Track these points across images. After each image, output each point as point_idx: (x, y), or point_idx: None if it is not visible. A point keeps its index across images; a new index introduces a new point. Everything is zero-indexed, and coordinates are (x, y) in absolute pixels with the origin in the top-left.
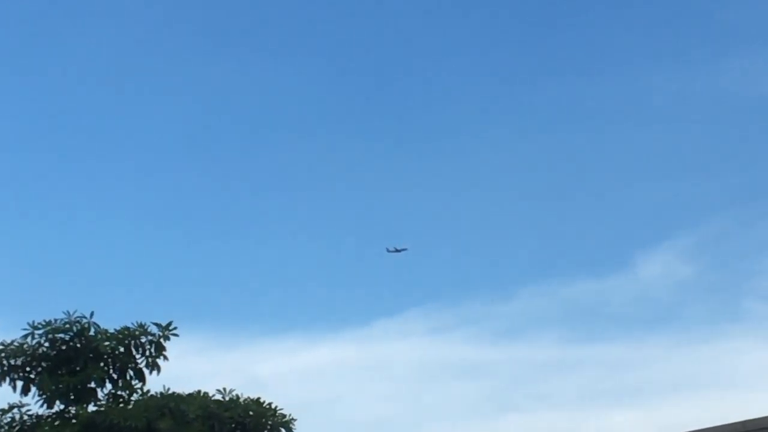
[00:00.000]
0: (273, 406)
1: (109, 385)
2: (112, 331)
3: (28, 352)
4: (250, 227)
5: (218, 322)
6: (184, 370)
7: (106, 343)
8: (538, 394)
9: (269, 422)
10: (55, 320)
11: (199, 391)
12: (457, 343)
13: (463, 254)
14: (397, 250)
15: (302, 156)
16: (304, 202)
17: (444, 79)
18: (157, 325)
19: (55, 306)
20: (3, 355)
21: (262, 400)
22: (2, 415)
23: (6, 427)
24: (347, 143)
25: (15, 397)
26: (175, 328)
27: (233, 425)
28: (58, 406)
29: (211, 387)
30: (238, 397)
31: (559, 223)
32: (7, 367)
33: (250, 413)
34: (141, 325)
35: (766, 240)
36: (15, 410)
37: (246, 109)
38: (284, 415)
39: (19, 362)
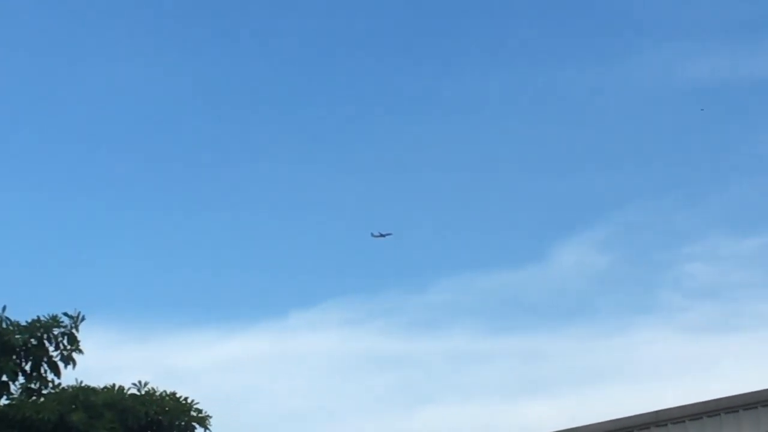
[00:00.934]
0: (189, 401)
1: (22, 379)
2: (23, 323)
3: None
4: (163, 217)
5: (132, 315)
6: (100, 364)
7: (18, 336)
8: (454, 386)
9: (185, 418)
10: None
11: (114, 385)
12: (373, 334)
13: (378, 245)
14: (381, 235)
15: (210, 151)
16: (217, 190)
17: (358, 71)
18: (68, 316)
19: None
20: None
21: (178, 395)
22: None
23: None
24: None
25: None
26: (84, 319)
27: (148, 420)
28: None
29: (126, 380)
30: (153, 391)
31: (475, 214)
32: None
33: (166, 409)
34: (53, 317)
35: (680, 231)
36: None
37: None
38: (200, 411)
39: None
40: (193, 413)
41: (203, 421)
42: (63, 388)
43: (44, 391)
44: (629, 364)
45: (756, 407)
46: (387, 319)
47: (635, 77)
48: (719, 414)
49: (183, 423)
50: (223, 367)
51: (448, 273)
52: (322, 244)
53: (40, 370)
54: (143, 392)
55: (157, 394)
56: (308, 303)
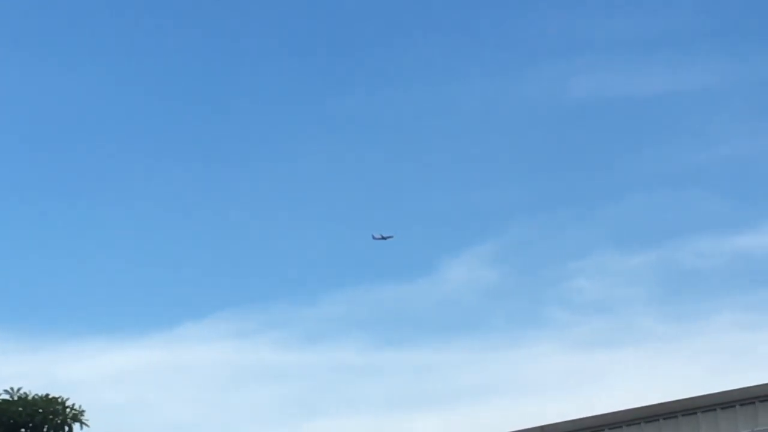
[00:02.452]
0: (62, 400)
1: None
2: None
3: None
4: (54, 229)
5: (21, 325)
6: None
7: None
8: (344, 398)
9: (59, 417)
10: None
11: None
12: (263, 346)
13: (268, 258)
14: (383, 238)
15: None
16: (108, 199)
17: (259, 85)
18: None
19: None
20: None
21: (51, 396)
22: None
23: None
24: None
25: None
26: None
27: (21, 421)
28: None
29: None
30: (26, 395)
31: (365, 227)
32: None
33: (39, 410)
34: None
35: (568, 247)
36: None
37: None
38: (74, 409)
39: None
40: (68, 411)
41: (78, 416)
42: None
43: None
44: (519, 378)
45: (695, 413)
46: (278, 331)
47: (527, 92)
48: (658, 419)
49: (59, 420)
50: (112, 377)
51: (338, 286)
52: (212, 255)
53: None
54: (15, 397)
55: (30, 397)
56: (199, 314)
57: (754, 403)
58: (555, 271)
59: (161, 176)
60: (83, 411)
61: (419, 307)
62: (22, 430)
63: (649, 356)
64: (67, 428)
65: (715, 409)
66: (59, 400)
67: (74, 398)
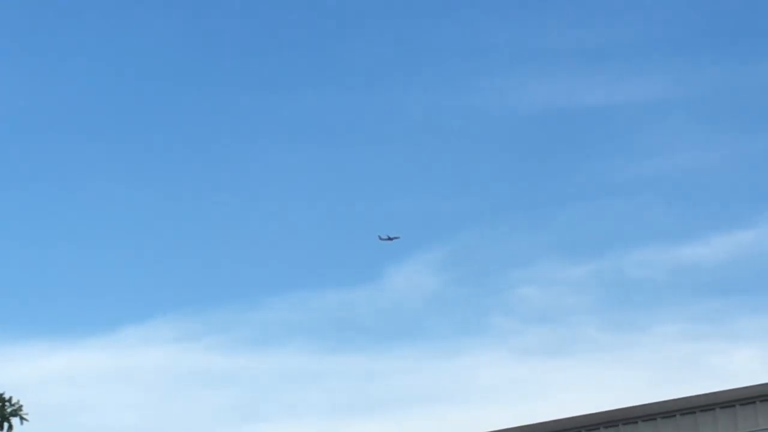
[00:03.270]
0: (0, 395)
1: None
2: None
3: None
4: None
5: None
6: None
7: None
8: (286, 404)
9: None
10: None
11: None
12: (205, 351)
13: (211, 260)
14: (390, 238)
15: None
16: (53, 204)
17: (203, 87)
18: None
19: None
20: None
21: None
22: None
23: None
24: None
25: None
26: None
27: None
28: None
29: None
30: None
31: (309, 232)
32: None
33: None
34: None
35: (513, 256)
36: None
37: None
38: (12, 404)
39: None
40: (6, 406)
41: (17, 411)
42: None
43: None
44: (463, 386)
45: (655, 418)
46: (221, 335)
47: (476, 101)
48: (617, 425)
49: None
50: (53, 380)
51: (282, 290)
52: (154, 258)
53: None
54: None
55: None
56: (140, 317)
57: (734, 406)
58: (500, 280)
59: (103, 174)
60: (21, 406)
61: (363, 314)
62: None
63: (593, 366)
64: (6, 423)
65: (675, 416)
66: None
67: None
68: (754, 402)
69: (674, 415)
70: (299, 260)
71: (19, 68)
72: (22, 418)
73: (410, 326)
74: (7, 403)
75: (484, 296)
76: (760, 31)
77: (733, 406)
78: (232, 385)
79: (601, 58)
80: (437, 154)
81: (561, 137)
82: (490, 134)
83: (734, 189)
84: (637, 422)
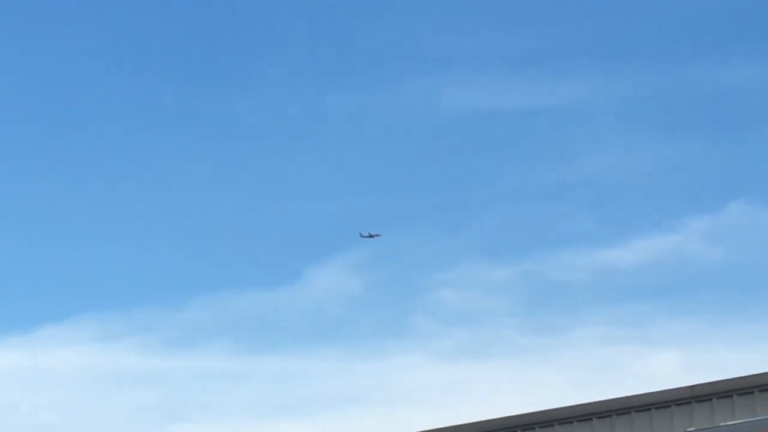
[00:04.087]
0: None
1: None
2: None
3: None
4: None
5: None
6: None
7: None
8: (207, 405)
9: None
10: None
11: None
12: (126, 351)
13: (133, 260)
14: (371, 236)
15: None
16: None
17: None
18: None
19: None
20: None
21: None
22: None
23: None
24: None
25: None
26: None
27: None
28: None
29: None
30: None
31: (231, 234)
32: None
33: None
34: None
35: (434, 258)
36: None
37: None
38: None
39: None
40: None
41: None
42: None
43: None
44: (384, 387)
45: (629, 413)
46: (142, 335)
47: (399, 103)
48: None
49: None
50: None
51: (203, 291)
52: (74, 256)
53: None
54: None
55: None
56: (60, 317)
57: (690, 403)
58: (422, 282)
59: (29, 172)
60: None
61: (285, 315)
62: None
63: (515, 368)
64: None
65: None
66: None
67: None
68: (689, 402)
69: (610, 415)
70: (220, 261)
71: None
72: None
73: (331, 328)
74: None
75: (406, 298)
76: (681, 36)
77: (670, 406)
78: (153, 386)
79: (527, 61)
80: (360, 156)
81: (485, 140)
82: (414, 136)
83: (655, 194)
84: (572, 422)
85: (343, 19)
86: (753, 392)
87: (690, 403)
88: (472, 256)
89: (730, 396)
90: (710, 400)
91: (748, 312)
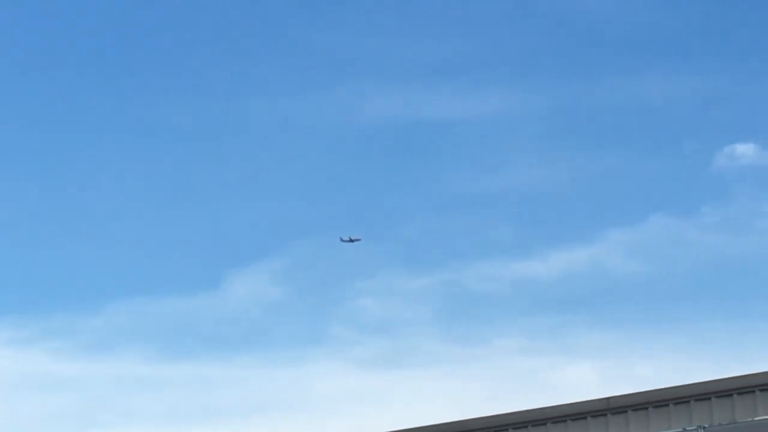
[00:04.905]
0: None
1: None
2: None
3: None
4: None
5: None
6: None
7: None
8: (124, 411)
9: None
10: None
11: None
12: (42, 356)
13: (49, 264)
14: (351, 240)
15: None
16: None
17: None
18: None
19: None
20: None
21: None
22: None
23: None
24: None
25: None
26: None
27: None
28: None
29: None
30: None
31: (150, 240)
32: None
33: None
34: None
35: (354, 267)
36: None
37: None
38: None
39: None
40: None
41: None
42: None
43: None
44: (302, 395)
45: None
46: (58, 340)
47: (324, 111)
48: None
49: None
50: None
51: (121, 296)
52: None
53: None
54: None
55: None
56: None
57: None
58: (341, 290)
59: None
60: None
61: (204, 321)
62: None
63: (432, 377)
64: None
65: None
66: None
67: None
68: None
69: (526, 426)
70: (139, 266)
71: None
72: None
73: (250, 335)
74: None
75: (325, 306)
76: (602, 50)
77: (585, 418)
78: (69, 391)
79: (451, 72)
80: (284, 163)
81: (407, 150)
82: (338, 144)
83: (575, 206)
84: (507, 429)
85: (268, 26)
86: (668, 405)
87: (606, 415)
88: (392, 265)
89: (646, 408)
90: (625, 412)
91: (665, 324)
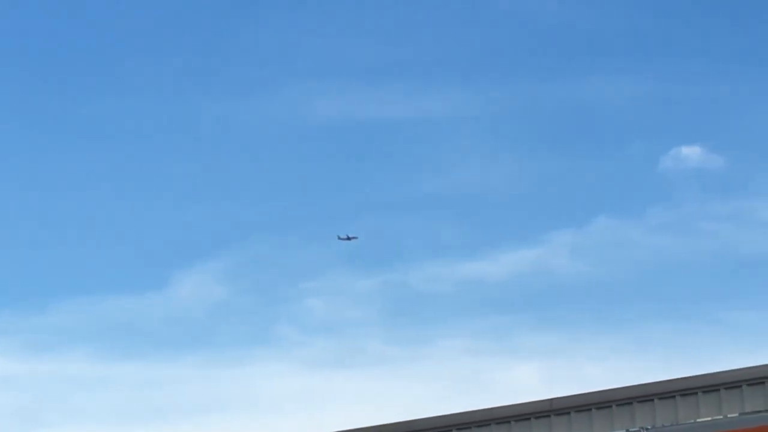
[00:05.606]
0: None
1: None
2: None
3: None
4: None
5: None
6: None
7: None
8: (68, 411)
9: None
10: None
11: None
12: None
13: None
14: (348, 238)
15: None
16: None
17: None
18: None
19: None
20: None
21: None
22: None
23: None
24: None
25: None
26: None
27: None
28: None
29: None
30: None
31: (96, 239)
32: None
33: None
34: None
35: (300, 267)
36: None
37: None
38: None
39: None
40: None
41: None
42: None
43: None
44: (248, 395)
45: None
46: (1, 339)
47: (271, 111)
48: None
49: None
50: None
51: (66, 295)
52: None
53: None
54: None
55: None
56: None
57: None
58: (287, 290)
59: None
60: None
61: (149, 321)
62: None
63: (378, 378)
64: None
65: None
66: None
67: None
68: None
69: (470, 427)
70: (84, 265)
71: None
72: None
73: (197, 335)
74: None
75: (271, 307)
76: (549, 51)
77: (529, 419)
78: (13, 391)
79: (399, 72)
80: (231, 162)
81: (354, 150)
82: (283, 145)
83: (521, 208)
84: (451, 430)
85: (214, 25)
86: (611, 406)
87: (549, 416)
88: (338, 266)
89: (589, 409)
90: (569, 413)
91: (610, 326)
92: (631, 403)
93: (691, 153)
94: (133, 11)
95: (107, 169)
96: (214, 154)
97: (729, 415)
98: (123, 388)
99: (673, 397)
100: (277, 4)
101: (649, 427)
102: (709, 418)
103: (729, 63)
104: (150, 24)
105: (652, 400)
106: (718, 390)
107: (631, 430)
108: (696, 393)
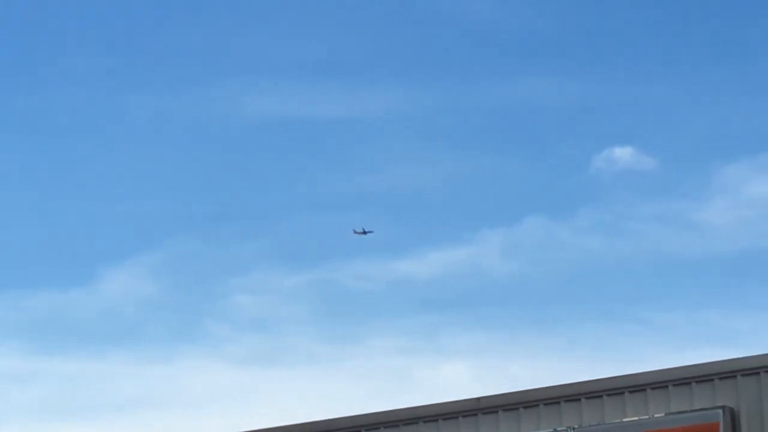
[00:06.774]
0: None
1: None
2: None
3: None
4: None
5: None
6: None
7: None
8: None
9: None
10: None
11: None
12: None
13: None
14: (364, 232)
15: None
16: None
17: None
18: None
19: None
20: None
21: None
22: None
23: None
24: None
25: None
26: None
27: None
28: None
29: None
30: None
31: (23, 232)
32: None
33: None
34: None
35: (230, 264)
36: None
37: None
38: None
39: None
40: None
41: None
42: None
43: None
44: (176, 391)
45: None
46: None
47: (203, 108)
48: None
49: None
50: None
51: None
52: None
53: None
54: None
55: None
56: None
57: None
58: (216, 287)
59: None
60: None
61: (77, 316)
62: None
63: (307, 376)
64: None
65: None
66: None
67: None
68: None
69: (398, 425)
70: (10, 259)
71: None
72: None
73: (125, 331)
74: None
75: (200, 303)
76: (480, 52)
77: (457, 417)
78: None
79: (330, 71)
80: (161, 158)
81: (287, 148)
82: (215, 142)
83: (452, 207)
84: (360, 431)
85: (146, 19)
86: (538, 405)
87: (476, 414)
88: (268, 263)
89: (517, 409)
90: (496, 412)
91: (540, 325)
92: (558, 403)
93: (624, 154)
94: (63, 7)
95: (34, 165)
96: (144, 150)
97: (655, 415)
98: (49, 383)
99: (600, 396)
100: (209, 1)
101: (576, 426)
102: (636, 418)
103: (666, 65)
104: (82, 22)
105: (579, 399)
106: (645, 390)
107: (558, 429)
108: (623, 393)
